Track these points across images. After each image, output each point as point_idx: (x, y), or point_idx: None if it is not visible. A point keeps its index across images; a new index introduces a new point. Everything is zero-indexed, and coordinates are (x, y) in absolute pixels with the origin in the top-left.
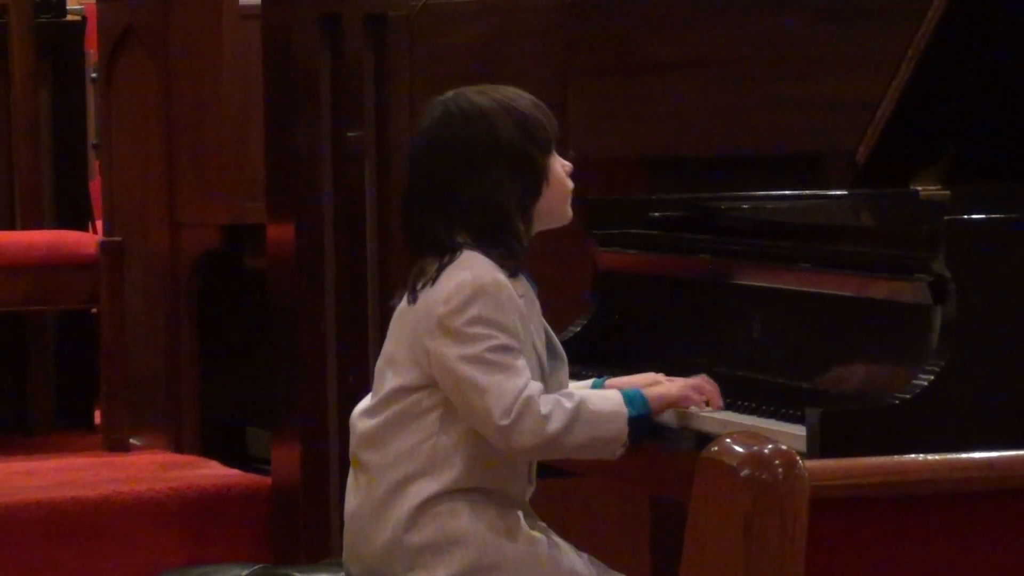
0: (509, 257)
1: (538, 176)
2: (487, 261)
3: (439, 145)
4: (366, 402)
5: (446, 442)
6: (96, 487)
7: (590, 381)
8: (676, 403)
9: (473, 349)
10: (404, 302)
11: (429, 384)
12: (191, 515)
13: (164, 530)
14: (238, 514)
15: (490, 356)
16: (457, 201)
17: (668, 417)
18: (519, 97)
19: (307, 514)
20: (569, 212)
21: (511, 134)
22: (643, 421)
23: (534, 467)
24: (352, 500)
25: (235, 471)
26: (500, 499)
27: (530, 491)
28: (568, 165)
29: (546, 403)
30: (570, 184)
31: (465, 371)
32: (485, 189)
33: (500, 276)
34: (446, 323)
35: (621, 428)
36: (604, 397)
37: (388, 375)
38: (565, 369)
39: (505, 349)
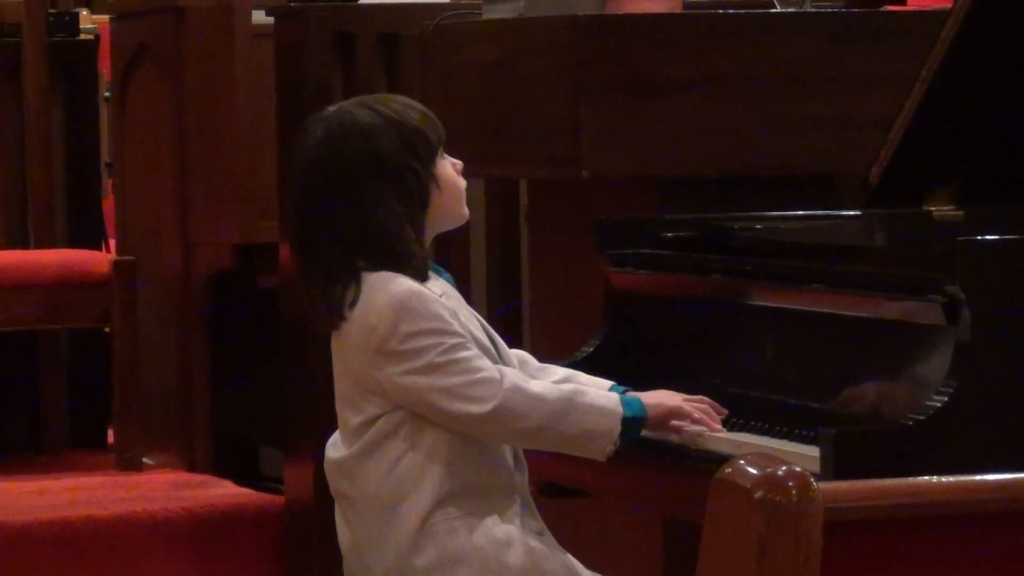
0: (410, 268)
1: (424, 186)
2: (394, 275)
3: (320, 164)
4: (336, 437)
5: (421, 453)
6: (109, 506)
7: (608, 384)
8: (673, 413)
9: (422, 360)
10: (335, 337)
11: (387, 410)
12: (204, 534)
13: (177, 549)
14: (251, 533)
15: (440, 359)
16: (342, 221)
17: (681, 438)
18: (403, 108)
19: (319, 533)
20: (465, 212)
21: (390, 147)
22: (637, 423)
23: (520, 449)
24: (345, 534)
25: (248, 490)
26: (495, 498)
27: (520, 477)
28: (458, 164)
29: (537, 385)
30: (462, 183)
31: (423, 382)
32: (366, 207)
33: (413, 285)
34: (385, 348)
35: (613, 425)
36: (600, 394)
37: (347, 414)
38: (504, 346)
39: (452, 348)
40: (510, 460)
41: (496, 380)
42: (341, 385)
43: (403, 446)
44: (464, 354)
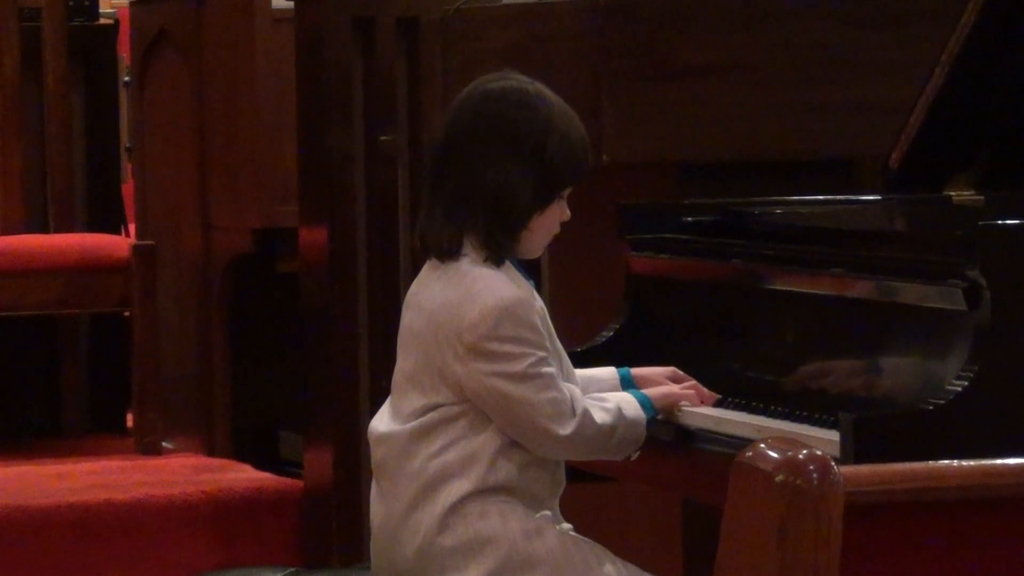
0: (496, 250)
1: (546, 195)
2: (499, 277)
3: (500, 109)
4: (387, 414)
5: (475, 444)
6: (128, 490)
7: (612, 370)
8: (677, 401)
9: (515, 367)
10: (412, 316)
11: (457, 401)
12: (223, 518)
13: (196, 533)
14: (270, 517)
15: (532, 371)
16: (486, 168)
17: (702, 422)
18: (582, 134)
19: (339, 518)
20: (537, 254)
21: (558, 144)
22: (651, 424)
23: (562, 465)
24: (379, 511)
25: (267, 474)
26: (529, 499)
27: (559, 490)
28: (568, 216)
29: (595, 409)
30: (557, 229)
31: (511, 390)
32: (511, 171)
33: (519, 293)
34: (480, 346)
35: (643, 433)
36: (628, 402)
37: (411, 393)
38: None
39: (541, 362)
40: (553, 470)
41: (567, 402)
42: (409, 363)
43: (458, 434)
44: (549, 370)
